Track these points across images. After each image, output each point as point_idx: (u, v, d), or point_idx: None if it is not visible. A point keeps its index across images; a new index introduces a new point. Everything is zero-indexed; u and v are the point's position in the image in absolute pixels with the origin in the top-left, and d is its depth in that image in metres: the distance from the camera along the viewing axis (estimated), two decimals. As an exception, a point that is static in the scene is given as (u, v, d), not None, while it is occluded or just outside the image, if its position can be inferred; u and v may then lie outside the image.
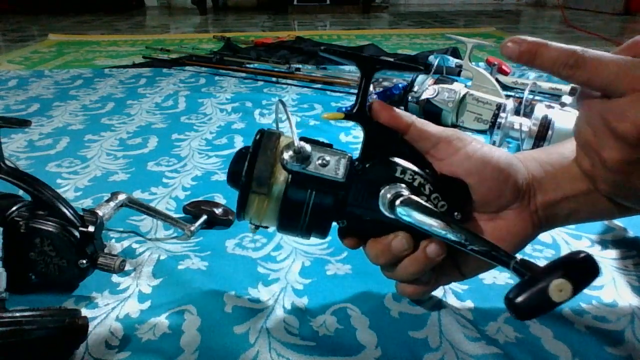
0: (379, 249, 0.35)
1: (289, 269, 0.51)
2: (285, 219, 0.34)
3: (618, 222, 0.59)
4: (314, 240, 0.55)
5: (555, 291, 0.26)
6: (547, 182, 0.35)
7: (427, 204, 0.31)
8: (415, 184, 0.33)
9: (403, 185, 0.32)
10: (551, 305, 0.26)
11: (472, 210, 0.35)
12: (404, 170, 0.33)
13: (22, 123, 0.46)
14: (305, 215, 0.33)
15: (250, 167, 0.32)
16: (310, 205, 0.33)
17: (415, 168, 0.33)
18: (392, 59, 0.35)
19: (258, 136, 0.33)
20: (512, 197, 0.34)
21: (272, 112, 1.05)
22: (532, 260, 0.51)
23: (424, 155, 0.35)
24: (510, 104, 0.84)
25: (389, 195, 0.32)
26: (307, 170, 0.32)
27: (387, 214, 0.33)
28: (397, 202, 0.31)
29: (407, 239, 0.34)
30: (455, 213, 0.33)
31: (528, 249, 0.53)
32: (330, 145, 0.34)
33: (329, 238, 0.56)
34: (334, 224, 0.37)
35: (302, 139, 0.33)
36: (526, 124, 0.79)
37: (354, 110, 0.34)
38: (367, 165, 0.34)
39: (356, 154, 0.35)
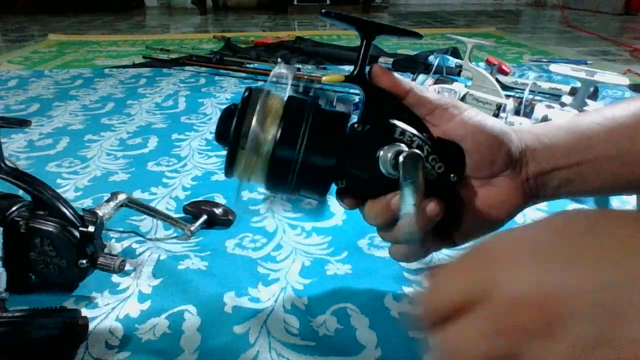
0: (378, 208, 0.35)
1: (289, 269, 0.50)
2: (274, 175, 0.34)
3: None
4: (314, 240, 0.56)
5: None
6: (540, 152, 0.35)
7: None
8: (414, 145, 0.33)
9: (402, 145, 0.33)
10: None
11: (466, 174, 0.36)
12: (403, 132, 0.33)
13: (22, 123, 0.46)
14: (294, 172, 0.33)
15: (239, 123, 0.32)
16: (299, 163, 0.33)
17: (413, 130, 0.34)
18: (391, 25, 0.36)
19: (247, 93, 0.33)
20: (504, 165, 0.35)
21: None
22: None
23: (422, 120, 0.35)
24: (510, 103, 0.84)
25: (389, 154, 0.32)
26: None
27: (388, 171, 0.33)
28: (401, 157, 0.31)
29: None
30: (452, 175, 0.34)
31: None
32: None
33: (329, 238, 0.56)
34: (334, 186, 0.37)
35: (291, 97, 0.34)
36: (526, 123, 0.79)
37: (354, 74, 0.35)
38: (366, 127, 0.34)
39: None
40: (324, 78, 0.38)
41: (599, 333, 0.18)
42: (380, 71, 0.35)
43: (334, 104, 0.35)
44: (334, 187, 0.36)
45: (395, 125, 0.34)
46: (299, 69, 1.32)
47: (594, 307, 0.18)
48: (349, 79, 0.35)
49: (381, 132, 0.34)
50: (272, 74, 0.37)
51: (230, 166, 0.33)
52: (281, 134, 0.32)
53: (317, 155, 0.33)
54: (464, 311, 0.21)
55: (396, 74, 0.36)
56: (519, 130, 0.37)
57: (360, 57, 0.35)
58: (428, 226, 0.34)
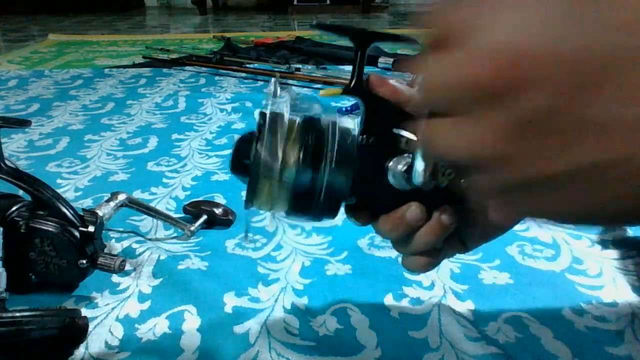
0: (393, 223, 0.35)
1: (289, 269, 0.50)
2: (298, 201, 0.33)
3: (618, 222, 0.59)
4: (314, 240, 0.56)
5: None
6: None
7: None
8: None
9: (411, 156, 0.32)
10: None
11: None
12: (409, 141, 0.33)
13: (22, 123, 0.47)
14: (319, 197, 0.33)
15: (259, 150, 0.31)
16: (324, 187, 0.32)
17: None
18: (385, 32, 0.35)
19: (262, 119, 0.32)
20: None
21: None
22: (531, 259, 0.52)
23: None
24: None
25: (399, 167, 0.32)
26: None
27: (400, 183, 0.32)
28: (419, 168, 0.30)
29: (421, 208, 0.34)
30: (462, 180, 0.33)
31: (528, 249, 0.53)
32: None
33: (329, 238, 0.56)
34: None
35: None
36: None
37: (352, 86, 0.34)
38: (371, 139, 0.33)
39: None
40: (321, 92, 0.37)
41: (550, 109, 0.16)
42: (378, 81, 0.34)
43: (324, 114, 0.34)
44: None
45: (400, 135, 0.33)
46: (298, 69, 1.32)
47: (563, 76, 0.16)
48: (347, 91, 0.34)
49: (387, 144, 0.33)
50: (269, 92, 0.36)
51: (252, 196, 0.32)
52: (304, 158, 0.32)
53: (339, 176, 0.32)
54: (443, 48, 0.19)
55: (394, 81, 0.35)
56: None
57: (357, 68, 0.33)
58: (443, 236, 0.34)
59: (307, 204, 0.33)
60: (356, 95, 0.34)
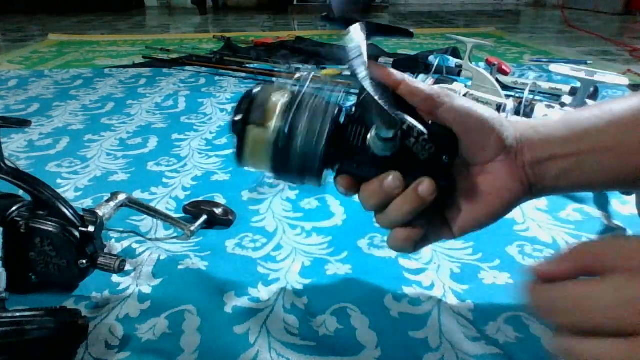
0: (371, 190, 0.36)
1: (289, 269, 0.51)
2: (276, 162, 0.36)
3: (618, 222, 0.59)
4: (314, 240, 0.56)
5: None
6: (537, 141, 0.36)
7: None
8: (404, 127, 0.34)
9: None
10: None
11: (460, 160, 0.37)
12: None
13: (22, 123, 0.47)
14: (295, 156, 0.35)
15: (249, 106, 0.35)
16: (299, 146, 0.35)
17: (405, 115, 0.35)
18: (384, 24, 0.38)
19: (255, 88, 0.37)
20: (497, 149, 0.35)
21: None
22: (532, 260, 0.52)
23: (414, 108, 0.37)
24: (510, 104, 0.84)
25: (374, 131, 0.34)
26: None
27: (378, 148, 0.34)
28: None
29: (398, 176, 0.35)
30: (444, 156, 0.35)
31: (528, 249, 0.53)
32: None
33: (329, 238, 0.56)
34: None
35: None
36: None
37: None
38: (358, 112, 0.36)
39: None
40: (322, 72, 0.39)
41: None
42: (375, 65, 0.36)
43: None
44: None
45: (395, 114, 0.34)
46: (298, 69, 1.32)
47: None
48: (346, 76, 0.35)
49: (373, 116, 0.34)
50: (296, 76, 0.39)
51: (240, 156, 0.36)
52: (283, 123, 0.35)
53: (312, 140, 0.35)
54: (607, 334, 0.22)
55: (390, 69, 0.37)
56: (514, 121, 0.37)
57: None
58: (419, 207, 0.34)
59: (284, 164, 0.36)
60: (353, 76, 0.35)
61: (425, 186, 0.34)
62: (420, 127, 0.34)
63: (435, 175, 0.34)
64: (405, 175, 0.35)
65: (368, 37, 0.36)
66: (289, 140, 0.35)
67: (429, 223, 0.37)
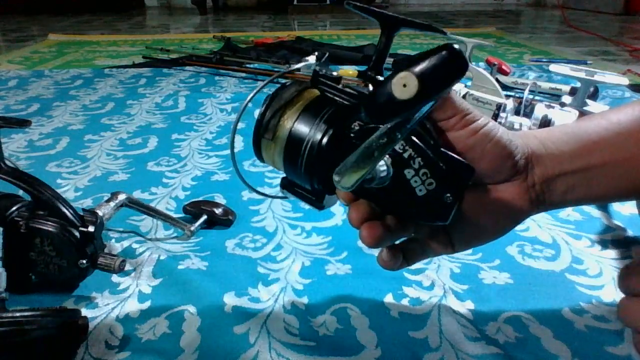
0: (356, 218, 0.35)
1: (289, 269, 0.51)
2: (287, 160, 0.35)
3: (618, 222, 0.59)
4: (314, 240, 0.56)
5: (398, 86, 0.24)
6: (546, 158, 0.35)
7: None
8: (405, 155, 0.31)
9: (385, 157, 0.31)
10: (395, 102, 0.25)
11: (471, 182, 0.34)
12: None
13: (22, 123, 0.47)
14: (303, 156, 0.34)
15: (262, 115, 0.35)
16: (308, 146, 0.33)
17: (413, 138, 0.31)
18: (414, 20, 0.35)
19: (277, 89, 0.36)
20: (510, 173, 0.34)
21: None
22: (531, 260, 0.52)
23: (435, 124, 0.33)
24: (510, 104, 0.84)
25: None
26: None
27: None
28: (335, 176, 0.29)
29: (364, 208, 0.34)
30: (447, 195, 0.31)
31: (528, 249, 0.53)
32: None
33: (329, 238, 0.56)
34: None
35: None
36: (526, 124, 0.79)
37: (369, 72, 0.33)
38: (356, 127, 0.33)
39: None
40: (339, 72, 0.38)
41: None
42: None
43: None
44: None
45: None
46: (298, 69, 1.32)
47: None
48: (363, 75, 0.34)
49: (355, 142, 0.32)
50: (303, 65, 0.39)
51: (257, 152, 0.36)
52: (295, 125, 0.34)
53: (322, 150, 0.33)
54: None
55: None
56: (524, 135, 0.36)
57: (379, 52, 0.33)
58: (381, 239, 0.34)
59: (295, 162, 0.34)
60: (370, 82, 0.34)
61: (383, 255, 0.34)
62: (426, 158, 0.30)
63: (431, 216, 0.31)
64: (398, 210, 0.32)
65: (396, 30, 0.33)
66: (296, 147, 0.34)
67: (424, 240, 0.36)
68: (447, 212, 0.31)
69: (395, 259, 0.36)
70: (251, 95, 0.36)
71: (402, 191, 0.31)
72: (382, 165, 0.31)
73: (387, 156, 0.31)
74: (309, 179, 0.35)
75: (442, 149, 0.31)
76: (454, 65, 0.24)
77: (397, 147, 0.31)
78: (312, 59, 0.37)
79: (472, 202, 0.35)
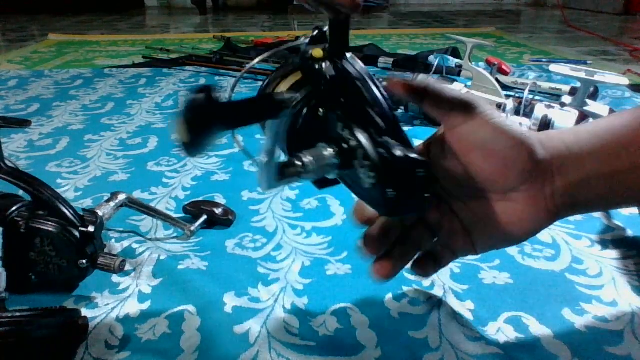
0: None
1: (289, 269, 0.51)
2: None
3: (618, 222, 0.59)
4: (314, 240, 0.56)
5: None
6: (570, 164, 0.32)
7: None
8: (352, 144, 0.30)
9: (329, 149, 0.31)
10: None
11: (479, 186, 0.32)
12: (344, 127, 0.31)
13: (22, 123, 0.47)
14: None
15: (263, 83, 0.39)
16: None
17: (356, 131, 0.30)
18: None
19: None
20: (521, 180, 0.31)
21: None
22: (531, 259, 0.52)
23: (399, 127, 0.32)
24: (510, 104, 0.84)
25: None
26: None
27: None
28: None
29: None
30: (389, 190, 0.29)
31: (528, 249, 0.53)
32: None
33: (329, 238, 0.56)
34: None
35: None
36: (526, 124, 0.79)
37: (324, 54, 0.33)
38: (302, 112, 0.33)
39: None
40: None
41: None
42: (395, 83, 0.32)
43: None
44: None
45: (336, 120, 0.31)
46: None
47: None
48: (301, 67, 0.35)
49: (321, 125, 0.32)
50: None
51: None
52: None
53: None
54: None
55: (407, 77, 0.35)
56: (548, 139, 0.33)
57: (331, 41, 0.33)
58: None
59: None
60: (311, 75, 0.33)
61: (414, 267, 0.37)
62: (368, 149, 0.29)
63: (380, 207, 0.31)
64: (364, 200, 0.33)
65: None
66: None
67: (451, 242, 0.36)
68: (394, 208, 0.30)
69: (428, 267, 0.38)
70: (243, 71, 0.40)
71: (357, 181, 0.31)
72: (332, 157, 0.31)
73: (335, 146, 0.31)
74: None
75: (391, 142, 0.30)
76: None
77: (345, 135, 0.31)
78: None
79: (480, 210, 0.33)
